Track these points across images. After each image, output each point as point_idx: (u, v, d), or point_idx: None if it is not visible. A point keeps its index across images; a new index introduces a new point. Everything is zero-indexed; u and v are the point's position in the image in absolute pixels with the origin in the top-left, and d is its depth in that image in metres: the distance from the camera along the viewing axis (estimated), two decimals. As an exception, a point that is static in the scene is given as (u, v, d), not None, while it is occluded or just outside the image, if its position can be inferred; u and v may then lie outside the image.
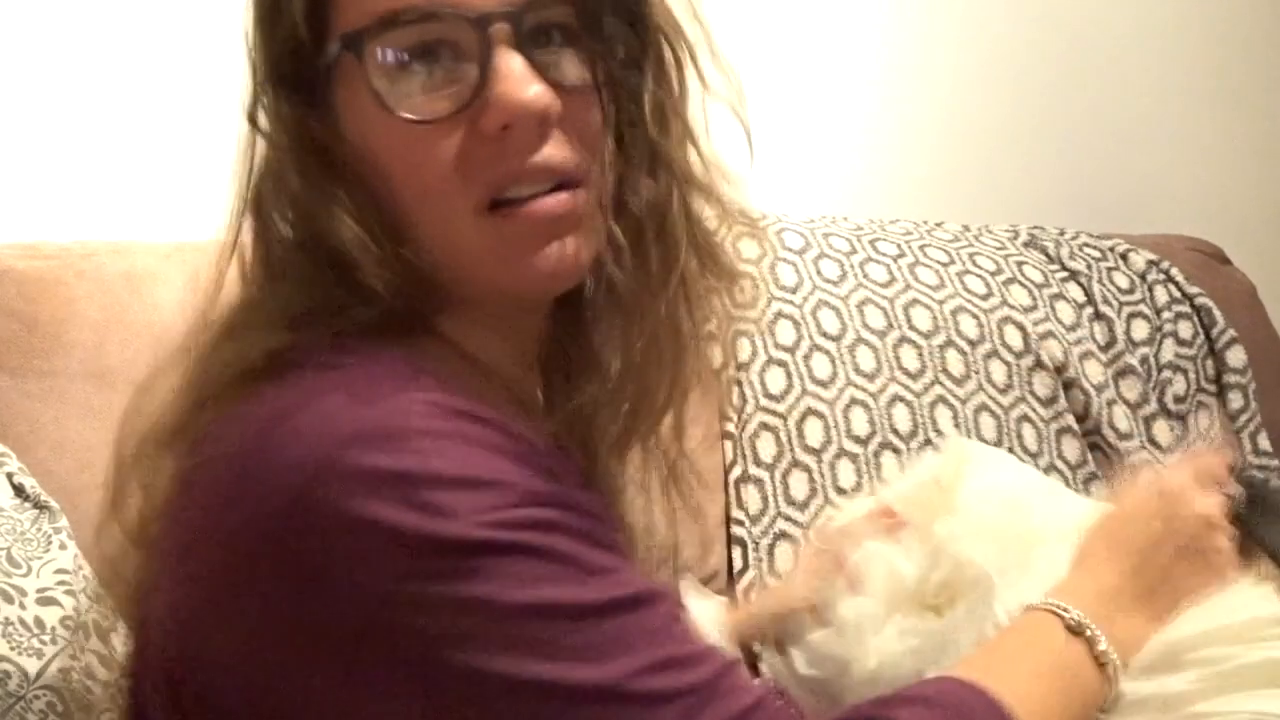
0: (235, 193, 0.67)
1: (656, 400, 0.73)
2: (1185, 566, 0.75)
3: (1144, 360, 1.60)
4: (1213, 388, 1.65)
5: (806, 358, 1.43)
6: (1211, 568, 0.76)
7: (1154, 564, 0.75)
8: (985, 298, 1.55)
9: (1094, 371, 1.54)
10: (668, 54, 0.69)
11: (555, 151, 0.64)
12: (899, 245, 1.58)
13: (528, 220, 0.64)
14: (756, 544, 1.32)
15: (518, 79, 0.61)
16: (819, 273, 1.50)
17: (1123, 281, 1.67)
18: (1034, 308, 1.57)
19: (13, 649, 0.81)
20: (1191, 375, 1.63)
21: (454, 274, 0.66)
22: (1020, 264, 1.63)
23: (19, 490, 0.94)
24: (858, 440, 1.40)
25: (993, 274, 1.59)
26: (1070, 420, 1.51)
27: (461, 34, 0.61)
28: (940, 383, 1.45)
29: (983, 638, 0.75)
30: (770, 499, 1.36)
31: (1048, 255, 1.67)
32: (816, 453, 1.39)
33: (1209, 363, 1.66)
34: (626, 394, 0.72)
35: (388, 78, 0.61)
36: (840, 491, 1.37)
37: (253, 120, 0.65)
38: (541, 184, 0.64)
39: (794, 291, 1.47)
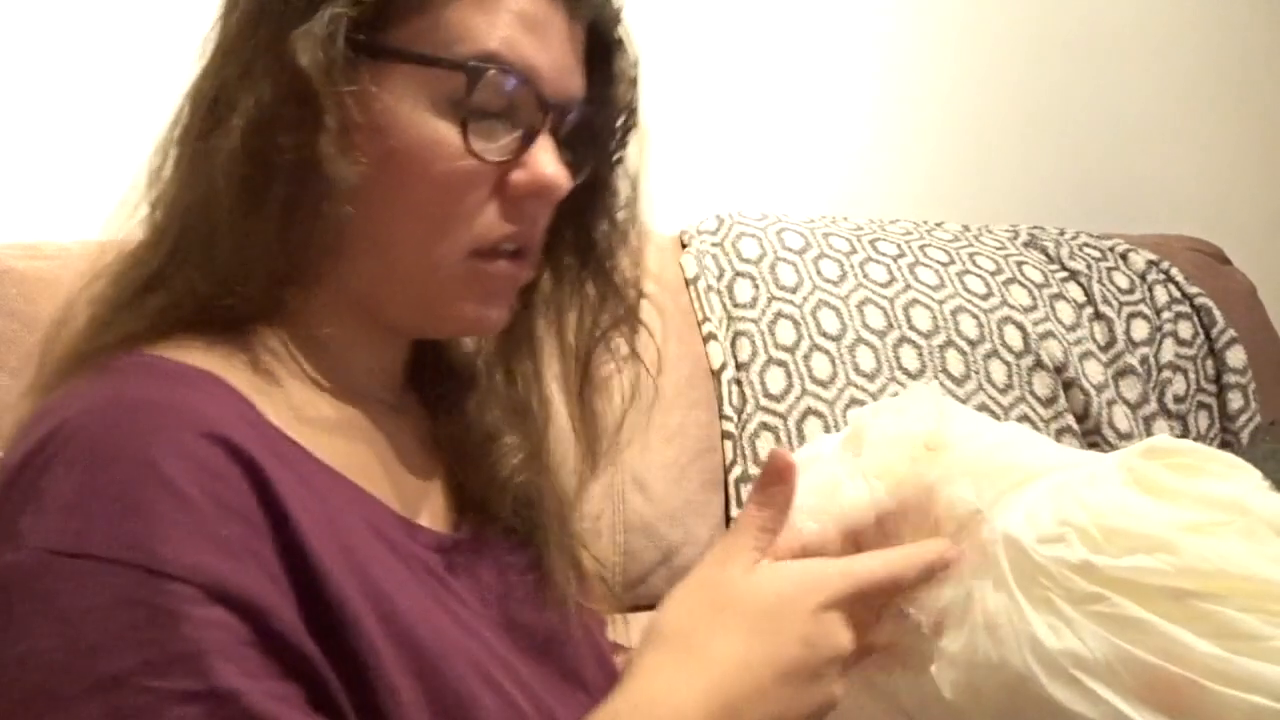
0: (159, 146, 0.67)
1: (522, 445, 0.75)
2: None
3: (1144, 360, 1.60)
4: (1213, 388, 1.65)
5: (806, 358, 1.43)
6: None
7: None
8: (985, 298, 1.55)
9: (1094, 371, 1.55)
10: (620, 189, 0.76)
11: (538, 230, 0.70)
12: (899, 245, 1.58)
13: (500, 275, 0.68)
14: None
15: (553, 161, 0.67)
16: (819, 273, 1.50)
17: (1123, 281, 1.67)
18: (1034, 308, 1.57)
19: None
20: (1191, 375, 1.63)
21: (384, 289, 0.67)
22: (1020, 264, 1.63)
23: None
24: (858, 440, 1.40)
25: (993, 274, 1.59)
26: (1070, 420, 1.51)
27: (526, 104, 0.66)
28: (940, 383, 1.45)
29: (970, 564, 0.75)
30: (770, 499, 1.36)
31: (1048, 255, 1.67)
32: (816, 453, 1.39)
33: (1209, 363, 1.66)
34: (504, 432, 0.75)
35: (444, 102, 0.64)
36: (840, 491, 1.37)
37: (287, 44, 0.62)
38: (510, 249, 0.68)
39: (794, 291, 1.47)
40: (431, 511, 0.71)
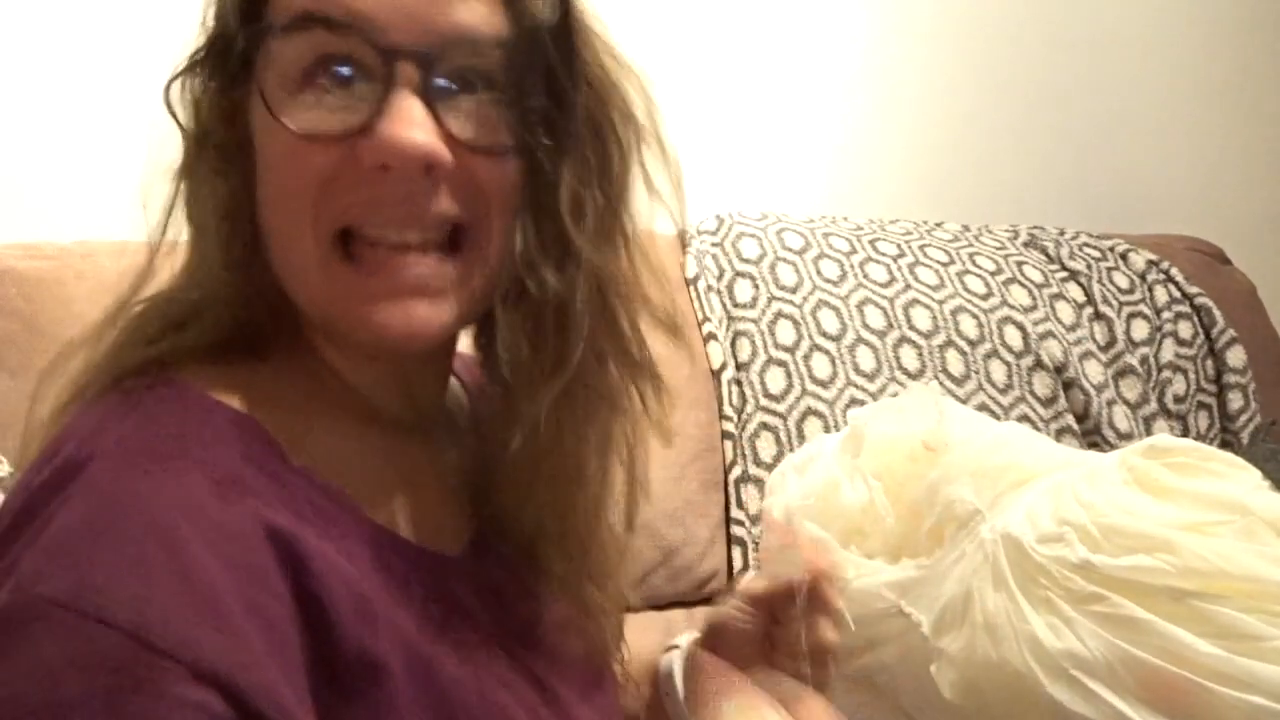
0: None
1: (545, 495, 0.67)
2: None
3: (1144, 360, 1.60)
4: (1213, 388, 1.65)
5: (806, 358, 1.43)
6: None
7: None
8: (985, 298, 1.55)
9: (1094, 371, 1.55)
10: (606, 144, 0.63)
11: (439, 204, 0.59)
12: (899, 245, 1.58)
13: (380, 271, 0.59)
14: (756, 544, 1.32)
15: (406, 121, 0.57)
16: (819, 273, 1.50)
17: (1123, 281, 1.67)
18: (1034, 308, 1.57)
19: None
20: (1191, 375, 1.63)
21: (304, 305, 0.62)
22: (1020, 264, 1.63)
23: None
24: (858, 440, 1.40)
25: (993, 274, 1.59)
26: (1070, 420, 1.51)
27: (369, 60, 0.57)
28: (940, 383, 1.45)
29: (968, 560, 0.75)
30: (770, 499, 1.36)
31: (1048, 255, 1.67)
32: (816, 453, 1.39)
33: (1209, 363, 1.66)
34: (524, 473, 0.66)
35: (284, 82, 0.58)
36: (840, 491, 1.37)
37: (167, 99, 0.63)
38: (412, 233, 0.59)
39: (794, 291, 1.47)
40: (445, 533, 0.68)
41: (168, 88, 0.63)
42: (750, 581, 0.74)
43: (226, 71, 0.62)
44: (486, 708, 0.60)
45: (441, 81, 0.58)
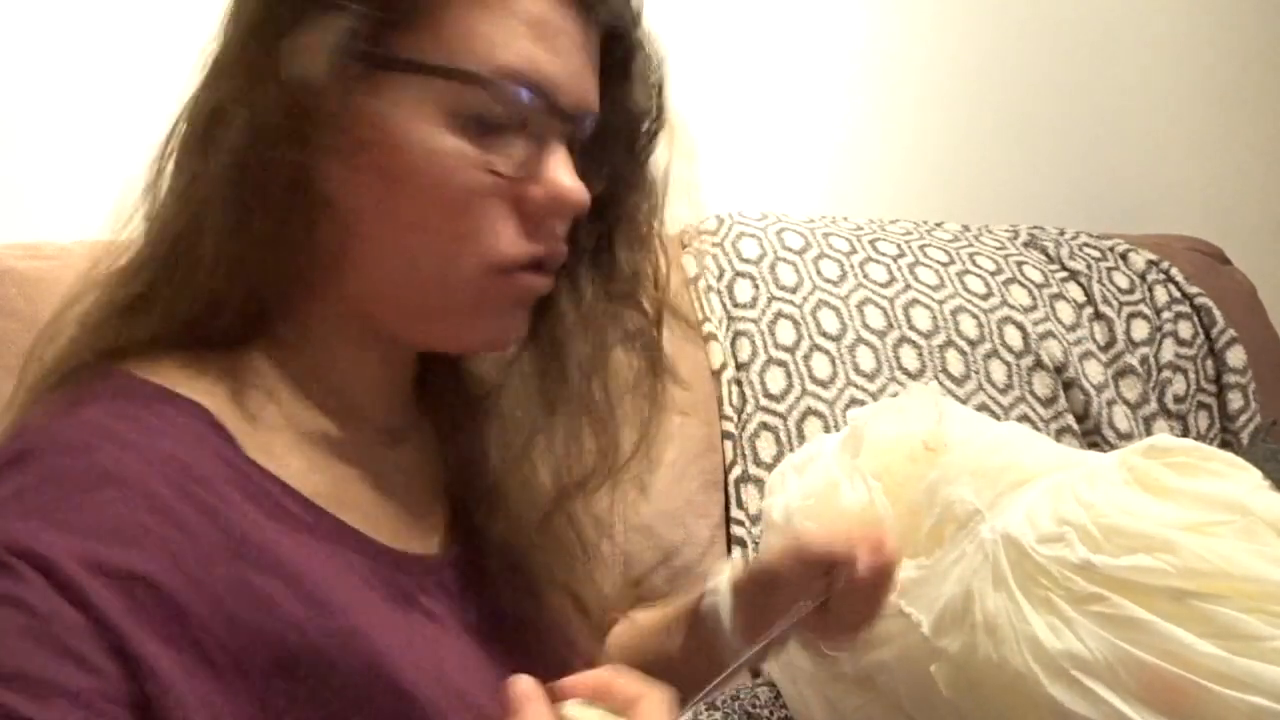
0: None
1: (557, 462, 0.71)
2: None
3: (1144, 360, 1.60)
4: (1213, 388, 1.65)
5: (806, 358, 1.43)
6: None
7: None
8: (985, 298, 1.55)
9: (1094, 371, 1.55)
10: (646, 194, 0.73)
11: (563, 246, 0.67)
12: (899, 245, 1.58)
13: (516, 288, 0.65)
14: (756, 544, 1.32)
15: (569, 170, 0.64)
16: (819, 273, 1.50)
17: (1123, 281, 1.67)
18: (1034, 308, 1.57)
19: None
20: (1191, 375, 1.63)
21: (395, 306, 0.65)
22: (1020, 264, 1.63)
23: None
24: (858, 440, 1.40)
25: (993, 274, 1.59)
26: (1070, 420, 1.51)
27: (542, 119, 0.64)
28: (940, 383, 1.45)
29: (967, 560, 0.75)
30: (770, 499, 1.36)
31: (1048, 255, 1.67)
32: (816, 453, 1.39)
33: (1209, 363, 1.66)
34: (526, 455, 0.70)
35: (485, 124, 0.62)
36: (840, 491, 1.37)
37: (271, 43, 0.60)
38: (534, 265, 0.66)
39: (794, 291, 1.47)
40: (417, 535, 0.69)
41: (289, 31, 0.60)
42: (813, 537, 0.74)
43: (380, 60, 0.61)
44: (447, 700, 0.60)
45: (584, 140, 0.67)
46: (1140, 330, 1.63)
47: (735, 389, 1.41)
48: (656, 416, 0.73)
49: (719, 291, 1.46)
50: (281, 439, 0.63)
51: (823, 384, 1.42)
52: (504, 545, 0.70)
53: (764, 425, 1.39)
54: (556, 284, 0.68)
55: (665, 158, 0.73)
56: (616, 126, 0.69)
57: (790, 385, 1.41)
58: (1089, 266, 1.66)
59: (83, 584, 0.51)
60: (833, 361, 1.44)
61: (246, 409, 0.62)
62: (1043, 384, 1.51)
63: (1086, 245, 1.71)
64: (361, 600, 0.60)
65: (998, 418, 1.44)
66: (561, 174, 0.64)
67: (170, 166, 0.64)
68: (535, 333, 0.70)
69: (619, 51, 0.69)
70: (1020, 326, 1.54)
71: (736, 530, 1.34)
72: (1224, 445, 1.59)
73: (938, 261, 1.58)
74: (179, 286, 0.62)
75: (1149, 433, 1.52)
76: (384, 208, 0.62)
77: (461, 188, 0.62)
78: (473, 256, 0.63)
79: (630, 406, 0.72)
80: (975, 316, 1.52)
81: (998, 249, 1.65)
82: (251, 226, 0.60)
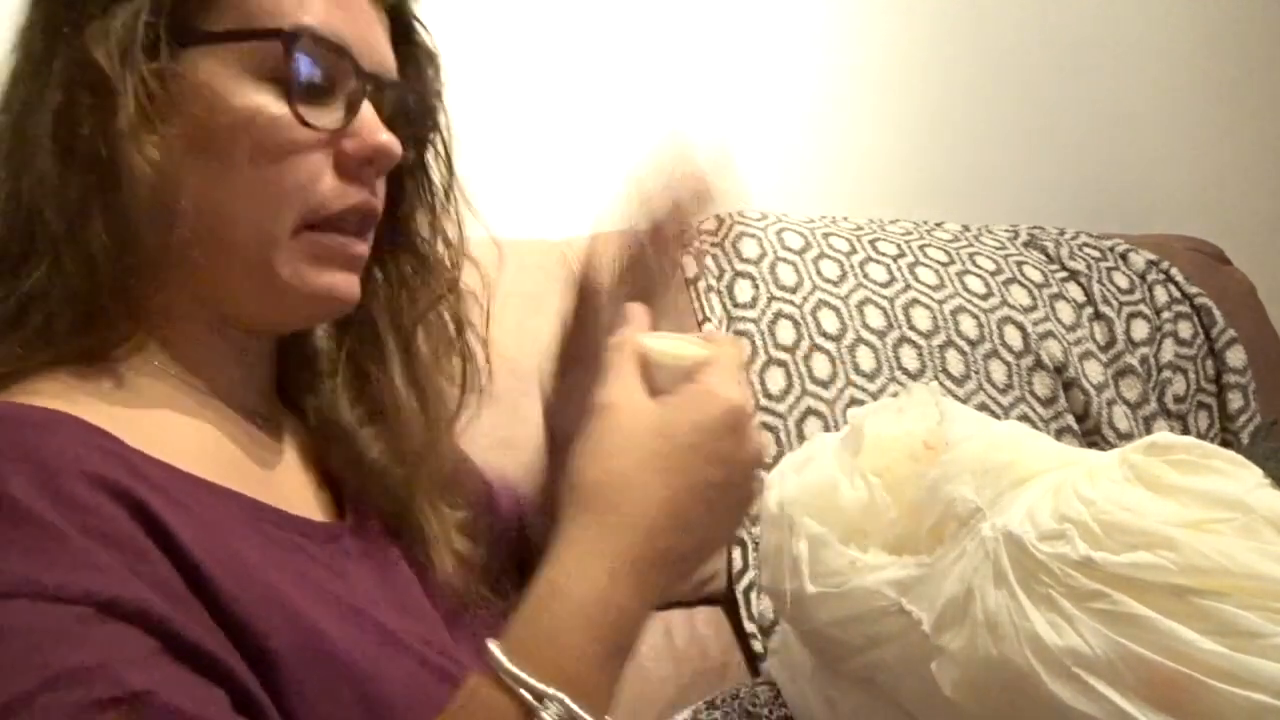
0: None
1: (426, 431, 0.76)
2: (716, 514, 0.61)
3: (1144, 360, 1.60)
4: (1213, 388, 1.65)
5: (806, 358, 1.43)
6: (737, 511, 0.63)
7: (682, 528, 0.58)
8: (985, 298, 1.55)
9: (1094, 371, 1.54)
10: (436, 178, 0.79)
11: (378, 200, 0.71)
12: (899, 245, 1.58)
13: (338, 247, 0.68)
14: (756, 544, 1.32)
15: (380, 124, 0.68)
16: (819, 273, 1.50)
17: (1123, 281, 1.67)
18: (1034, 308, 1.57)
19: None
20: (1191, 375, 1.63)
21: (226, 277, 0.66)
22: (1020, 264, 1.63)
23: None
24: (858, 440, 1.40)
25: (993, 274, 1.59)
26: (1070, 420, 1.51)
27: (348, 78, 0.68)
28: (940, 383, 1.45)
29: (968, 559, 0.75)
30: (770, 499, 1.36)
31: (1048, 255, 1.67)
32: (816, 453, 1.39)
33: (1209, 363, 1.66)
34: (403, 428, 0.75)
35: (294, 81, 0.65)
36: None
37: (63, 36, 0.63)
38: (353, 222, 0.69)
39: (794, 291, 1.47)
40: (312, 507, 0.72)
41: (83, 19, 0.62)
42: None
43: (182, 35, 0.63)
44: (370, 664, 0.61)
45: (393, 104, 0.72)
46: (1140, 330, 1.63)
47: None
48: (471, 370, 0.79)
49: (719, 291, 1.46)
50: (164, 432, 0.63)
51: (823, 384, 1.42)
52: (384, 511, 0.74)
53: (764, 425, 1.39)
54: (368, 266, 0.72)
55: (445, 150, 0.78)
56: (410, 103, 0.74)
57: (790, 385, 1.41)
58: (1089, 266, 1.66)
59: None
60: (833, 361, 1.44)
61: (124, 408, 0.63)
62: (1043, 384, 1.51)
63: (1086, 245, 1.71)
64: (284, 572, 0.61)
65: (998, 418, 1.44)
66: (375, 127, 0.68)
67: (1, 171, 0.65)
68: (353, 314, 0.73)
69: (403, 34, 0.75)
70: (1020, 326, 1.54)
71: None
72: (1224, 445, 1.59)
73: (938, 261, 1.58)
74: (34, 299, 0.62)
75: (1149, 433, 1.52)
76: (204, 176, 0.63)
77: (276, 143, 0.64)
78: (292, 209, 0.65)
79: (448, 363, 0.78)
80: (975, 316, 1.52)
81: (998, 249, 1.65)
82: (81, 207, 0.61)
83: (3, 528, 0.52)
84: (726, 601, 1.31)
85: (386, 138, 0.68)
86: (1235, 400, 1.64)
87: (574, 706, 0.53)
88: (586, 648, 0.55)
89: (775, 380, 1.41)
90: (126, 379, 0.64)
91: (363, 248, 0.70)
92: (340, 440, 0.75)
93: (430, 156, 0.78)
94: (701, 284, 1.46)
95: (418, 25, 0.76)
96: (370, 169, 0.68)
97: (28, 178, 0.62)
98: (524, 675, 0.53)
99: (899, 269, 1.54)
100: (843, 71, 1.85)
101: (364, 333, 0.76)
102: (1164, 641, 0.68)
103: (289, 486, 0.71)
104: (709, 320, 1.44)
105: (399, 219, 0.76)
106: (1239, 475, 0.78)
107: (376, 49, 0.70)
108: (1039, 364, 1.52)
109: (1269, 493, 0.76)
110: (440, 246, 0.78)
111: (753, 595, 1.30)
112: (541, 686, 0.53)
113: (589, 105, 1.62)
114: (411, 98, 0.74)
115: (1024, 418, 1.48)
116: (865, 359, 1.45)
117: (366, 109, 0.68)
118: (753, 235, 1.51)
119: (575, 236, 1.39)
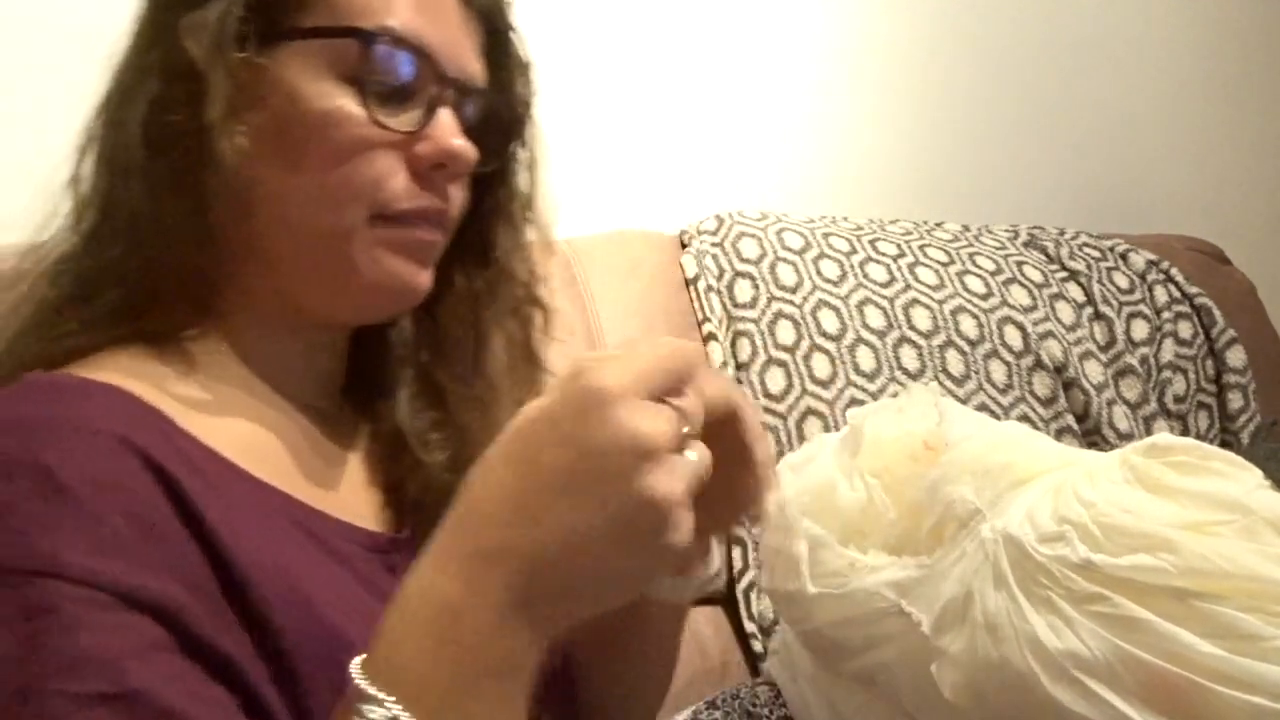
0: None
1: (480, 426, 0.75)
2: (612, 549, 0.49)
3: (1144, 360, 1.60)
4: (1213, 388, 1.65)
5: (806, 358, 1.43)
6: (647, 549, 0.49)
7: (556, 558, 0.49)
8: (985, 298, 1.55)
9: (1094, 371, 1.54)
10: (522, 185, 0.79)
11: (455, 205, 0.72)
12: (899, 245, 1.58)
13: (407, 238, 0.69)
14: (756, 544, 1.32)
15: (456, 128, 0.69)
16: (819, 273, 1.49)
17: (1123, 281, 1.67)
18: (1034, 308, 1.57)
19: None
20: (1191, 375, 1.63)
21: (299, 269, 0.67)
22: (1020, 264, 1.63)
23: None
24: (858, 440, 1.40)
25: (993, 274, 1.59)
26: (1070, 420, 1.51)
27: (428, 81, 0.68)
28: (940, 383, 1.45)
29: (967, 560, 0.75)
30: (770, 499, 1.35)
31: (1048, 255, 1.67)
32: (816, 453, 1.39)
33: (1209, 363, 1.66)
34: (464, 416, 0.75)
35: (370, 80, 0.66)
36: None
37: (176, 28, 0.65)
38: (423, 223, 0.70)
39: (794, 291, 1.47)
40: (366, 515, 0.71)
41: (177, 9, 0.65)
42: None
43: (271, 30, 0.65)
44: None
45: (474, 113, 0.72)
46: (1140, 330, 1.63)
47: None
48: (543, 383, 0.78)
49: (719, 291, 1.46)
50: (221, 421, 0.64)
51: (823, 384, 1.42)
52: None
53: (764, 425, 1.38)
54: (440, 269, 0.72)
55: (536, 156, 0.79)
56: (496, 113, 0.75)
57: (790, 385, 1.41)
58: (1089, 266, 1.66)
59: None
60: (833, 361, 1.44)
61: (185, 391, 0.64)
62: (1043, 384, 1.51)
63: (1086, 245, 1.71)
64: (322, 577, 0.61)
65: (998, 418, 1.44)
66: (450, 130, 0.68)
67: (89, 160, 0.67)
68: (423, 314, 0.74)
69: (496, 42, 0.75)
70: (1020, 326, 1.54)
71: (736, 530, 1.33)
72: (1224, 445, 1.59)
73: (938, 261, 1.58)
74: (109, 276, 0.64)
75: (1149, 433, 1.52)
76: (281, 168, 0.65)
77: (351, 140, 0.65)
78: (362, 204, 0.66)
79: (512, 385, 0.77)
80: (975, 316, 1.52)
81: (998, 249, 1.65)
82: (166, 191, 0.63)
83: (35, 501, 0.52)
84: (726, 601, 1.31)
85: (459, 143, 0.68)
86: (1235, 400, 1.64)
87: (395, 709, 0.48)
88: (419, 643, 0.49)
89: (775, 380, 1.41)
90: (199, 362, 0.66)
91: (434, 236, 0.71)
92: (403, 446, 0.74)
93: (515, 167, 0.78)
94: (701, 284, 1.46)
95: (511, 34, 0.77)
96: (441, 173, 0.69)
97: (118, 161, 0.65)
98: (358, 676, 0.49)
99: (899, 269, 1.54)
100: (843, 71, 1.85)
101: (437, 340, 0.77)
102: (1164, 644, 0.68)
103: (344, 491, 0.71)
104: (709, 320, 1.44)
105: (478, 228, 0.76)
106: (1239, 477, 0.77)
107: (462, 55, 0.70)
108: (1039, 364, 1.52)
109: (1269, 494, 0.76)
110: (518, 259, 0.78)
111: (753, 595, 1.30)
112: (365, 686, 0.48)
113: (589, 105, 1.62)
114: (497, 106, 0.75)
115: (1024, 418, 1.47)
116: (865, 359, 1.45)
117: (444, 114, 0.69)
118: (753, 235, 1.51)
119: (574, 237, 1.39)
